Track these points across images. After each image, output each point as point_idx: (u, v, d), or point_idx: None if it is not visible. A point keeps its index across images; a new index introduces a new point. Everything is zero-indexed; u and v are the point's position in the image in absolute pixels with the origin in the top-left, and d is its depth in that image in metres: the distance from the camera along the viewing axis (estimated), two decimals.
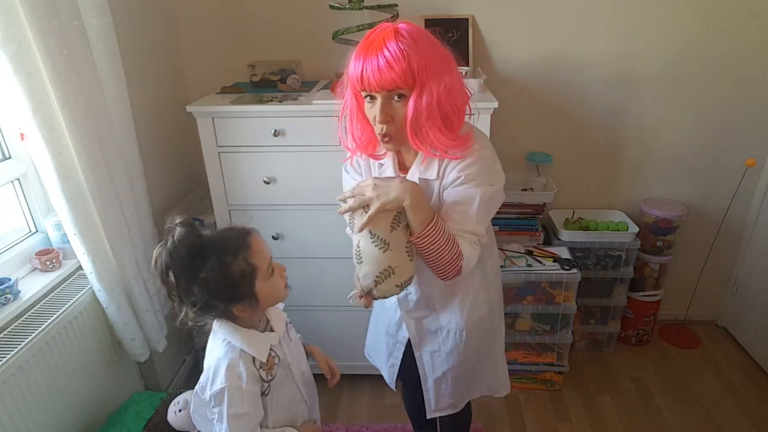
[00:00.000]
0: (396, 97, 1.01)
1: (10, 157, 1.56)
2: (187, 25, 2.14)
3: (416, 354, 1.38)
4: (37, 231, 1.65)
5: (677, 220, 2.21)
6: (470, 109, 1.12)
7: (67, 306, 1.49)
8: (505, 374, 1.46)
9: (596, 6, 2.04)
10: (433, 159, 1.11)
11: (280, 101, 1.75)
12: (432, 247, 1.06)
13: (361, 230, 1.05)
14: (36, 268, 1.57)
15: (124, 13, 1.74)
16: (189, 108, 1.71)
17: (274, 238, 1.88)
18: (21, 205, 1.59)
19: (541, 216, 2.24)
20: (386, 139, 1.07)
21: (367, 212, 1.03)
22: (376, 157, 1.21)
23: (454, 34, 2.05)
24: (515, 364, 2.14)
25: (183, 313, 1.00)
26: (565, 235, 2.19)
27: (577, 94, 2.18)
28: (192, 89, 2.23)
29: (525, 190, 2.24)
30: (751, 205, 2.34)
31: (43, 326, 1.40)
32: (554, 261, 2.05)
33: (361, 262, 1.09)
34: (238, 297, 1.00)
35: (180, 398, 1.42)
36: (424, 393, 1.42)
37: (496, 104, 1.66)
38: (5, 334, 1.35)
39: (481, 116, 1.66)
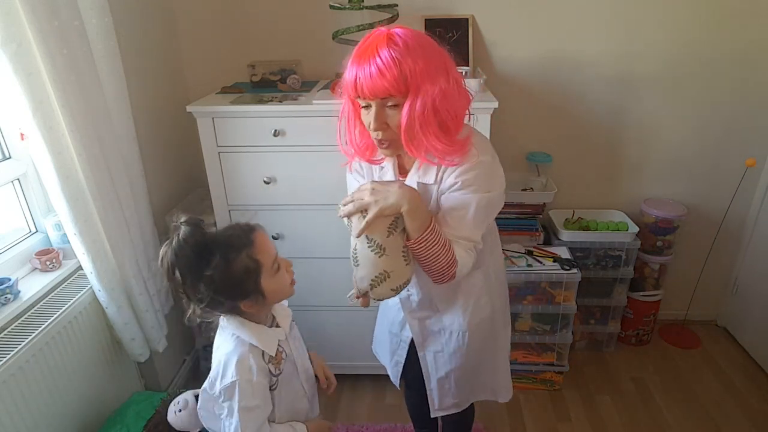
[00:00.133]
0: (390, 105, 1.01)
1: (10, 157, 1.56)
2: (187, 25, 2.14)
3: (420, 354, 1.38)
4: (37, 231, 1.65)
5: (677, 220, 2.21)
6: (469, 112, 1.12)
7: (67, 306, 1.49)
8: (507, 379, 1.45)
9: (596, 6, 2.04)
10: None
11: (280, 101, 1.75)
12: (428, 253, 1.06)
13: (359, 235, 1.05)
14: (36, 268, 1.57)
15: (124, 13, 1.74)
16: (189, 108, 1.71)
17: (274, 238, 1.88)
18: (21, 205, 1.60)
19: (541, 216, 2.24)
20: (383, 145, 1.07)
21: (365, 217, 1.03)
22: (374, 162, 1.21)
23: (454, 34, 2.05)
24: (515, 364, 2.14)
25: (190, 311, 1.02)
26: (565, 235, 2.19)
27: (577, 94, 2.18)
28: (192, 89, 2.23)
29: (525, 190, 2.24)
30: (751, 205, 2.34)
31: (43, 326, 1.40)
32: (554, 261, 2.05)
33: (358, 265, 1.09)
34: (244, 293, 1.01)
35: (180, 398, 1.42)
36: (428, 392, 1.42)
37: (496, 104, 1.66)
38: (5, 334, 1.35)
39: (481, 116, 1.67)
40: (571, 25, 2.07)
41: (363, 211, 1.04)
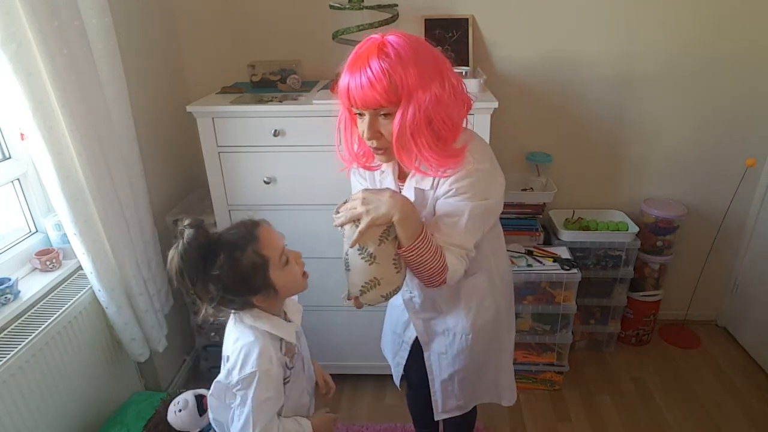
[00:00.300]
0: (383, 114, 1.01)
1: (10, 157, 1.56)
2: (187, 25, 2.14)
3: (425, 354, 1.39)
4: (37, 231, 1.65)
5: (677, 220, 2.21)
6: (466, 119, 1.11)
7: (67, 306, 1.49)
8: (511, 382, 1.45)
9: (596, 6, 2.04)
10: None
11: (280, 101, 1.75)
12: (419, 260, 1.06)
13: (352, 246, 1.05)
14: (36, 268, 1.57)
15: (124, 13, 1.74)
16: (189, 108, 1.71)
17: None
18: (21, 205, 1.60)
19: (541, 216, 2.24)
20: (379, 152, 1.08)
21: (357, 226, 1.04)
22: (370, 168, 1.21)
23: (454, 34, 2.05)
24: (515, 364, 2.13)
25: (203, 311, 1.02)
26: (565, 235, 2.19)
27: (577, 94, 2.18)
28: (192, 89, 2.23)
29: (525, 190, 2.25)
30: (751, 205, 2.34)
31: (43, 326, 1.40)
32: (554, 261, 2.05)
33: (349, 270, 1.10)
34: (254, 289, 1.02)
35: (180, 398, 1.43)
36: (432, 395, 1.42)
37: (496, 104, 1.66)
38: (5, 334, 1.35)
39: (481, 116, 1.67)
40: (571, 25, 2.07)
41: (355, 220, 1.04)
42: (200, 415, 1.40)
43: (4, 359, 1.27)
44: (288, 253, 1.07)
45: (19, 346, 1.32)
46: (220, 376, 1.07)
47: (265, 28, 2.12)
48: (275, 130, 1.72)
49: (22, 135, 1.50)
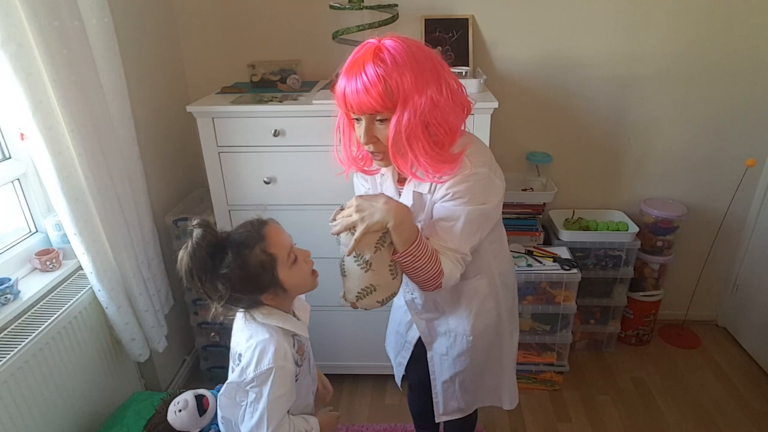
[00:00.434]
0: (379, 119, 1.01)
1: (10, 157, 1.56)
2: (187, 26, 2.14)
3: (428, 354, 1.39)
4: (37, 231, 1.65)
5: (677, 220, 2.21)
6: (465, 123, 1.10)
7: (67, 306, 1.49)
8: (513, 386, 1.44)
9: (596, 6, 2.04)
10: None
11: (280, 101, 1.75)
12: (414, 265, 1.06)
13: (349, 254, 1.05)
14: (36, 268, 1.57)
15: (124, 13, 1.74)
16: (189, 108, 1.71)
17: None
18: (21, 205, 1.60)
19: (541, 216, 2.24)
20: (377, 157, 1.08)
21: (353, 234, 1.04)
22: (368, 173, 1.21)
23: (454, 34, 2.05)
24: None
25: (212, 309, 1.03)
26: (565, 235, 2.19)
27: (578, 94, 2.18)
28: (192, 89, 2.23)
29: (525, 190, 2.24)
30: (751, 205, 2.34)
31: (43, 326, 1.40)
32: (554, 261, 2.05)
33: (345, 276, 1.10)
34: (262, 287, 1.03)
35: (180, 398, 1.43)
36: (433, 396, 1.42)
37: (496, 104, 1.66)
38: (5, 334, 1.35)
39: (481, 116, 1.67)
40: (572, 25, 2.07)
41: (351, 228, 1.04)
42: (200, 415, 1.40)
43: (4, 359, 1.27)
44: (296, 252, 1.08)
45: (19, 346, 1.32)
46: (233, 376, 1.07)
47: (265, 28, 2.12)
48: (275, 130, 1.72)
49: (22, 135, 1.50)
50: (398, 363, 1.51)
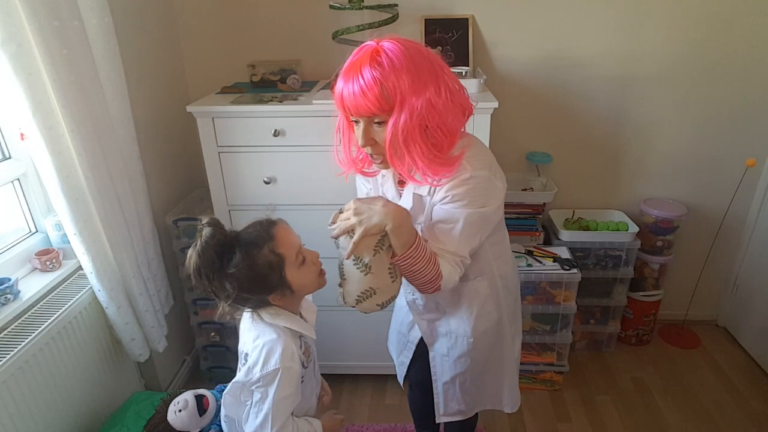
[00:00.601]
0: (377, 122, 1.00)
1: (10, 157, 1.56)
2: (187, 25, 2.14)
3: (429, 354, 1.39)
4: (37, 231, 1.65)
5: (677, 220, 2.21)
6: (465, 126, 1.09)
7: (67, 306, 1.49)
8: (515, 390, 1.44)
9: (596, 6, 2.04)
10: None
11: (280, 101, 1.75)
12: (413, 268, 1.06)
13: (348, 257, 1.05)
14: (36, 268, 1.57)
15: (124, 13, 1.74)
16: (189, 108, 1.71)
17: None
18: (21, 205, 1.60)
19: (541, 216, 2.24)
20: (377, 159, 1.08)
21: (351, 237, 1.04)
22: (367, 174, 1.21)
23: (454, 34, 2.05)
24: None
25: (220, 308, 1.03)
26: (565, 235, 2.19)
27: (577, 94, 2.18)
28: (192, 89, 2.23)
29: (525, 190, 2.25)
30: (751, 205, 2.34)
31: (43, 326, 1.40)
32: (554, 261, 2.05)
33: (345, 280, 1.09)
34: (270, 287, 1.03)
35: (180, 398, 1.43)
36: (434, 397, 1.42)
37: (496, 104, 1.66)
38: (5, 334, 1.35)
39: (481, 116, 1.67)
40: (572, 25, 2.07)
41: (350, 231, 1.04)
42: (200, 415, 1.40)
43: (4, 359, 1.27)
44: (305, 253, 1.08)
45: (19, 346, 1.32)
46: (239, 376, 1.07)
47: (265, 28, 2.12)
48: (275, 130, 1.72)
49: (22, 135, 1.50)
50: (400, 363, 1.51)
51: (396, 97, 0.95)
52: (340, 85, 1.00)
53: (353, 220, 1.03)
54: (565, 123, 2.23)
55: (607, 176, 2.34)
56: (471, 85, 1.74)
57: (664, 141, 2.25)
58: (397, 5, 1.88)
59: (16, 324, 1.39)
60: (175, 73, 2.17)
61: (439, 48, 2.03)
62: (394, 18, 1.84)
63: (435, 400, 1.42)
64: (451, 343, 1.32)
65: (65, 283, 1.59)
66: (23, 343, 1.33)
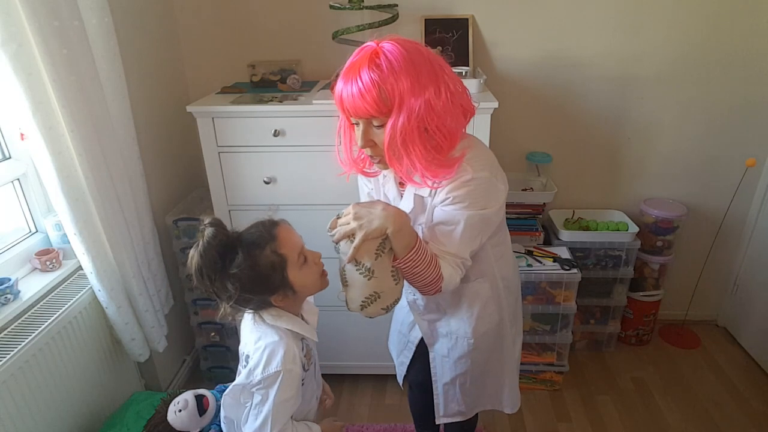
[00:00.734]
0: (376, 125, 1.00)
1: (10, 157, 1.56)
2: (187, 25, 2.14)
3: (430, 355, 1.39)
4: (37, 231, 1.65)
5: (677, 220, 2.21)
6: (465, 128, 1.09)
7: (67, 306, 1.49)
8: (515, 392, 1.44)
9: (596, 6, 2.04)
10: None
11: (280, 101, 1.75)
12: (414, 270, 1.06)
13: (348, 261, 1.05)
14: (36, 268, 1.57)
15: (124, 13, 1.74)
16: (189, 108, 1.71)
17: None
18: (21, 205, 1.59)
19: (541, 216, 2.24)
20: (376, 160, 1.08)
21: (352, 241, 1.03)
22: (368, 175, 1.21)
23: (454, 34, 2.05)
24: None
25: (222, 310, 1.03)
26: (565, 235, 2.19)
27: (578, 94, 2.18)
28: (192, 89, 2.23)
29: (525, 190, 2.24)
30: (751, 205, 2.34)
31: (43, 326, 1.40)
32: (554, 261, 2.05)
33: (347, 285, 1.09)
34: (272, 288, 1.02)
35: (180, 398, 1.43)
36: (434, 397, 1.42)
37: (496, 104, 1.66)
38: (5, 334, 1.35)
39: (481, 116, 1.67)
40: (572, 25, 2.07)
41: (350, 236, 1.04)
42: (200, 415, 1.40)
43: (4, 359, 1.27)
44: (306, 253, 1.07)
45: (19, 346, 1.32)
46: (240, 378, 1.06)
47: (265, 28, 2.12)
48: (275, 130, 1.72)
49: (22, 135, 1.50)
50: (400, 362, 1.51)
51: (394, 99, 0.95)
52: (339, 86, 0.99)
53: (353, 224, 1.03)
54: (565, 123, 2.23)
55: (607, 176, 2.34)
56: (471, 85, 1.74)
57: (664, 141, 2.25)
58: (397, 5, 1.88)
59: (16, 324, 1.39)
60: (175, 73, 2.17)
61: (439, 48, 2.03)
62: (394, 18, 1.84)
63: (435, 401, 1.42)
64: (452, 344, 1.32)
65: (65, 283, 1.59)
66: (23, 343, 1.33)
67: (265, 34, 2.13)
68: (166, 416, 1.41)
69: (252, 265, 0.98)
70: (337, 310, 1.99)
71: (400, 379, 1.55)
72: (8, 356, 1.28)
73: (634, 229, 2.19)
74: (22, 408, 1.32)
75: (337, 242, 1.07)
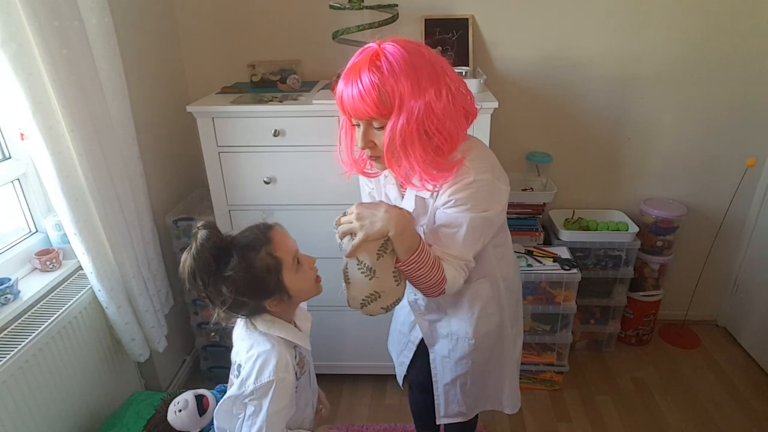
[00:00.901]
0: (376, 126, 1.00)
1: (10, 157, 1.56)
2: (187, 26, 2.14)
3: (430, 355, 1.38)
4: (37, 231, 1.65)
5: (677, 220, 2.21)
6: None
7: (67, 306, 1.49)
8: (515, 392, 1.44)
9: (596, 6, 2.04)
10: None
11: (280, 101, 1.75)
12: (417, 273, 1.06)
13: (349, 256, 1.05)
14: (36, 268, 1.57)
15: (124, 13, 1.74)
16: (189, 108, 1.71)
17: None
18: (21, 205, 1.60)
19: (541, 216, 2.24)
20: (376, 161, 1.08)
21: (353, 239, 1.03)
22: (368, 175, 1.21)
23: (454, 34, 2.05)
24: None
25: (215, 314, 1.02)
26: (565, 235, 2.19)
27: (578, 94, 2.18)
28: (192, 89, 2.23)
29: (525, 190, 2.25)
30: (751, 205, 2.34)
31: (43, 326, 1.40)
32: (554, 261, 2.05)
33: (349, 284, 1.09)
34: (267, 292, 1.01)
35: (180, 398, 1.43)
36: (435, 398, 1.42)
37: (496, 104, 1.66)
38: (5, 334, 1.35)
39: (481, 116, 1.67)
40: (572, 25, 2.07)
41: (352, 234, 1.04)
42: (200, 416, 1.40)
43: (4, 359, 1.27)
44: (301, 257, 1.07)
45: (19, 346, 1.32)
46: (232, 390, 1.05)
47: (265, 28, 2.12)
48: (275, 130, 1.72)
49: (22, 135, 1.50)
50: (400, 363, 1.51)
51: (394, 101, 0.95)
52: (340, 87, 0.99)
53: (355, 224, 1.03)
54: (565, 123, 2.23)
55: (607, 176, 2.34)
56: (471, 85, 1.74)
57: (664, 141, 2.25)
58: (397, 5, 1.88)
59: (16, 324, 1.39)
60: (175, 73, 2.17)
61: (439, 48, 2.03)
62: (394, 18, 1.84)
63: (435, 401, 1.42)
64: (452, 344, 1.32)
65: (65, 283, 1.59)
66: (23, 343, 1.33)
67: (265, 34, 2.13)
68: (166, 416, 1.41)
69: (247, 268, 0.98)
70: (337, 310, 2.00)
71: (400, 380, 1.55)
72: (8, 356, 1.28)
73: (634, 229, 2.19)
74: (22, 408, 1.32)
75: (341, 238, 1.07)
